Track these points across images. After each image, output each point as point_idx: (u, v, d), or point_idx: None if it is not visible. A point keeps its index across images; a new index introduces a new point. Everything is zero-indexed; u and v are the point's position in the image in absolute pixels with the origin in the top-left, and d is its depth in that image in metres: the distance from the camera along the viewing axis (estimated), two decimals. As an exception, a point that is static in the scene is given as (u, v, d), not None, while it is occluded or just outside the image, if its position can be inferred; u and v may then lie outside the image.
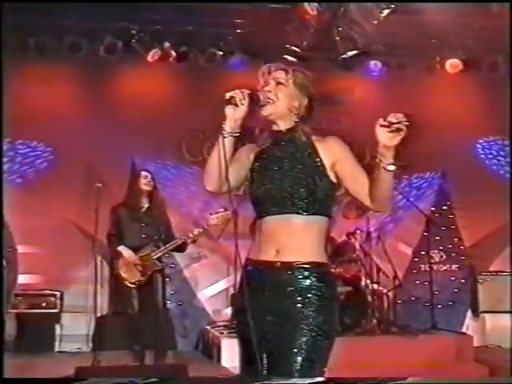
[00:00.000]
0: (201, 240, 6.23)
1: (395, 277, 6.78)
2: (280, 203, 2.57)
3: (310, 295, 2.52)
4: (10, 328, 6.77)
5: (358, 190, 2.60)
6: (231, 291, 7.21)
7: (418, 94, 7.75)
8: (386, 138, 2.38)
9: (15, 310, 6.79)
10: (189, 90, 7.70)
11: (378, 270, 6.74)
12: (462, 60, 7.66)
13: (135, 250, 5.72)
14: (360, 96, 7.97)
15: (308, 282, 2.53)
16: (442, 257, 7.80)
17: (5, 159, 7.71)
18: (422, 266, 7.62)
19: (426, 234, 7.24)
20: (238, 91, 2.61)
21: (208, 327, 6.97)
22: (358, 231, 6.79)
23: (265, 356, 2.51)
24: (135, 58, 7.51)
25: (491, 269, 7.68)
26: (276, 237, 2.56)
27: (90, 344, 6.77)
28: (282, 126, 2.70)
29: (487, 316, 7.29)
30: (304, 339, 2.47)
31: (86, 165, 7.40)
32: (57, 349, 6.90)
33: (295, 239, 2.55)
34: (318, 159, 2.64)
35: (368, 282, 6.72)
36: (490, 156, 8.24)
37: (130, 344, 5.90)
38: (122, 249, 5.72)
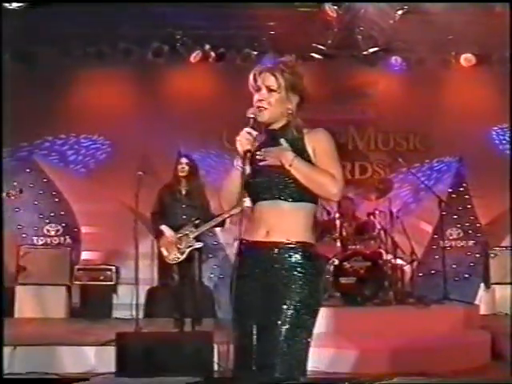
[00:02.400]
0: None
1: (412, 252, 7.43)
2: (269, 191, 2.74)
3: (295, 272, 2.69)
4: (75, 298, 7.77)
5: None
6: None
7: (435, 86, 8.44)
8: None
9: (78, 282, 7.71)
10: (227, 87, 8.42)
11: (396, 246, 7.38)
12: (474, 55, 8.28)
13: (175, 229, 6.18)
14: (383, 89, 8.75)
15: (293, 259, 2.70)
16: (459, 234, 8.51)
17: (70, 152, 8.84)
18: (441, 242, 8.33)
19: (443, 213, 7.84)
20: (251, 131, 2.70)
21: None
22: (377, 211, 7.42)
23: (254, 326, 2.68)
24: (179, 60, 8.40)
25: (503, 244, 8.28)
26: (266, 220, 2.73)
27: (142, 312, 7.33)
28: (276, 125, 2.82)
29: (497, 287, 7.95)
30: (289, 312, 2.63)
31: (140, 155, 8.28)
32: (114, 316, 7.63)
33: (283, 221, 2.71)
34: (305, 151, 2.77)
35: (389, 257, 7.42)
36: (504, 142, 8.82)
37: (172, 312, 6.49)
38: (163, 228, 6.21)
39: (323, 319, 6.48)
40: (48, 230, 8.32)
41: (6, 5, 6.65)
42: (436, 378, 5.26)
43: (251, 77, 2.82)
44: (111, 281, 7.73)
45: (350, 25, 7.67)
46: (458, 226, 8.52)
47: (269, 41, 8.33)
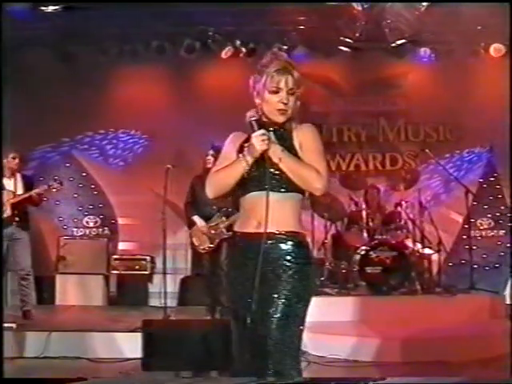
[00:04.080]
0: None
1: (439, 242, 7.50)
2: (259, 183, 2.79)
3: (285, 261, 2.78)
4: (113, 286, 8.15)
5: None
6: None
7: (465, 76, 8.43)
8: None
9: (115, 272, 8.08)
10: None
11: (423, 236, 7.49)
12: (504, 44, 8.22)
13: (207, 219, 6.38)
14: (413, 80, 8.80)
15: (284, 249, 2.79)
16: (490, 223, 8.53)
17: (109, 146, 9.20)
18: (472, 232, 8.35)
19: (471, 203, 7.89)
20: (264, 132, 2.76)
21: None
22: (404, 202, 7.53)
23: (248, 316, 2.76)
24: (211, 56, 8.63)
25: (532, 233, 8.26)
26: (256, 211, 2.78)
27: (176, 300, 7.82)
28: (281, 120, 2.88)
29: (526, 276, 7.95)
30: (280, 301, 2.72)
31: (175, 148, 8.57)
32: (150, 304, 7.87)
33: (273, 212, 2.74)
34: (293, 145, 2.86)
35: (418, 246, 7.50)
36: (536, 131, 8.74)
37: (204, 301, 6.65)
38: (195, 218, 6.42)
39: (348, 308, 6.70)
40: (87, 222, 8.73)
41: (43, 8, 6.97)
42: (456, 368, 5.32)
43: (266, 77, 2.83)
44: (146, 270, 8.04)
45: (377, 18, 7.73)
46: (489, 215, 8.53)
47: (298, 35, 8.48)
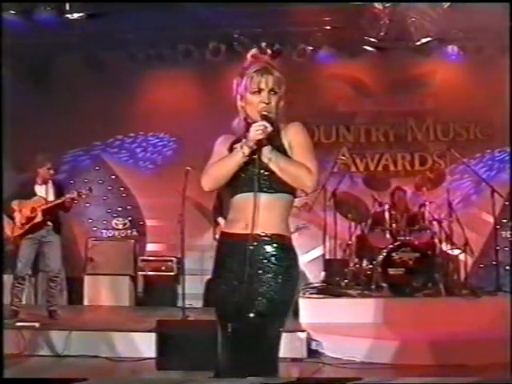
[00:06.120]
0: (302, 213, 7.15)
1: (466, 243, 7.33)
2: (248, 184, 2.78)
3: (269, 263, 2.78)
4: (140, 287, 8.26)
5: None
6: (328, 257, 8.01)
7: (494, 73, 8.20)
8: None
9: (142, 273, 8.22)
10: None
11: (448, 237, 7.37)
12: (536, 40, 7.99)
13: None
14: (441, 78, 8.66)
15: (269, 251, 2.79)
16: (521, 224, 8.31)
17: (139, 149, 9.36)
18: (503, 233, 8.16)
19: (496, 204, 7.64)
20: (266, 124, 2.74)
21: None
22: (428, 202, 7.38)
23: (232, 316, 2.77)
24: (236, 58, 8.69)
25: None
26: (245, 212, 2.78)
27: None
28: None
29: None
30: (261, 302, 2.73)
31: (203, 151, 8.69)
32: (178, 305, 7.68)
33: (261, 214, 2.76)
34: (282, 144, 2.85)
35: (444, 247, 7.36)
36: None
37: None
38: (220, 220, 6.45)
39: (369, 310, 6.63)
40: (116, 224, 8.92)
41: (68, 15, 7.16)
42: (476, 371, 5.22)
43: (247, 78, 2.87)
44: (172, 271, 8.13)
45: (401, 16, 7.65)
46: (520, 216, 8.29)
47: (323, 36, 8.48)
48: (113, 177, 9.03)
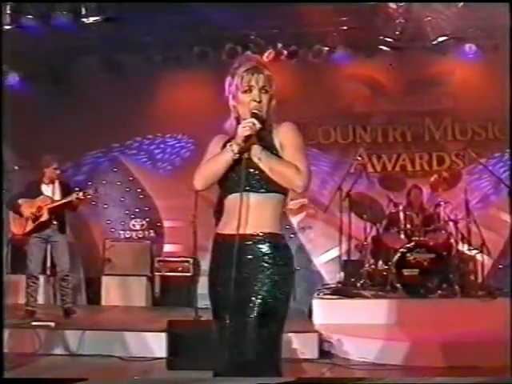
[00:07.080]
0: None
1: (483, 244, 7.26)
2: (238, 183, 2.79)
3: (263, 262, 2.80)
4: (158, 288, 8.33)
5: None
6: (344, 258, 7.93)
7: (513, 72, 8.11)
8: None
9: (158, 273, 8.28)
10: (300, 83, 8.56)
11: (463, 237, 7.29)
12: (554, 36, 7.85)
13: None
14: (458, 77, 8.57)
15: (263, 250, 2.80)
16: (542, 225, 8.16)
17: (157, 151, 9.44)
18: (521, 233, 8.03)
19: None
20: (254, 121, 2.77)
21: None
22: (443, 202, 7.31)
23: (228, 317, 2.78)
24: (253, 60, 8.72)
25: None
26: (236, 213, 2.77)
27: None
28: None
29: None
30: (257, 302, 2.74)
31: (220, 152, 8.73)
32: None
33: (253, 214, 2.80)
34: (273, 144, 2.86)
35: (460, 247, 7.28)
36: None
37: None
38: None
39: (383, 311, 6.61)
40: (133, 225, 9.01)
41: (84, 19, 7.26)
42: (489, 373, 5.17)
43: (238, 77, 2.88)
44: (188, 272, 8.15)
45: (416, 16, 7.60)
46: (541, 215, 8.15)
47: (339, 36, 8.45)
48: (131, 178, 9.13)
